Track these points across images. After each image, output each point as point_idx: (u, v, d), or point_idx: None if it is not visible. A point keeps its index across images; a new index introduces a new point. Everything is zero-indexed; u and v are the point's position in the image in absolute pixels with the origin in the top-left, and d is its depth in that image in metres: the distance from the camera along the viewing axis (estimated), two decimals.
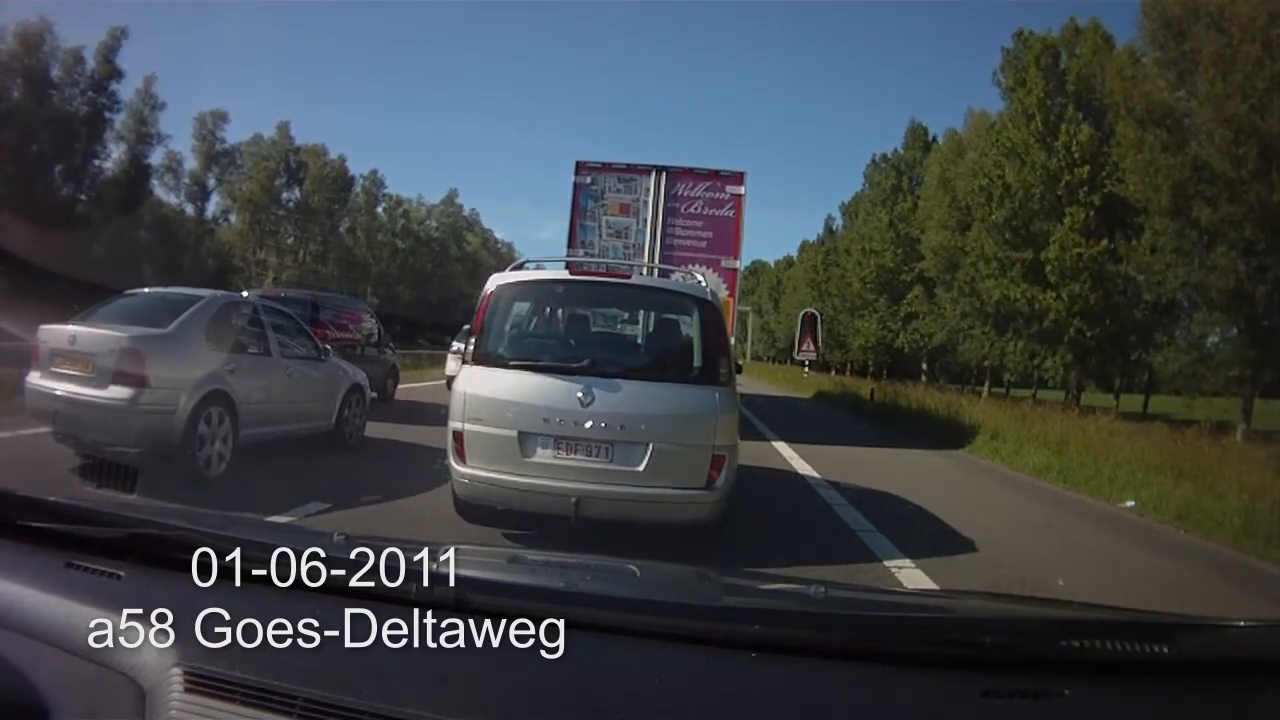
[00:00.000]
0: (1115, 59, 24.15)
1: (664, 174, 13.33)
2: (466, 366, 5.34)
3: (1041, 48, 28.45)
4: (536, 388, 5.10)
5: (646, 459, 4.92)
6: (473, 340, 5.38)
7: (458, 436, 5.15)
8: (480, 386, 5.17)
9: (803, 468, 9.78)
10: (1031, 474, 10.65)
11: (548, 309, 6.30)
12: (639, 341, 6.61)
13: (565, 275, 5.97)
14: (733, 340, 8.66)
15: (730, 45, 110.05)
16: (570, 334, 6.04)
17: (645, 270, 10.31)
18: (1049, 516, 8.05)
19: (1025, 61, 28.53)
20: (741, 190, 13.37)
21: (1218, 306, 20.95)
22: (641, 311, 7.02)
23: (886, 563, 5.44)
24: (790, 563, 5.26)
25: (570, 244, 12.86)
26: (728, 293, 12.48)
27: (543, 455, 4.98)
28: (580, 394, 4.96)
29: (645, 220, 13.25)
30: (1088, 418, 13.44)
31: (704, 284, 6.01)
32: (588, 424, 4.93)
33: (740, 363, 6.32)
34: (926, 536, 6.31)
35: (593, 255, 12.17)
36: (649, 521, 5.03)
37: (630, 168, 13.65)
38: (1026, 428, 12.72)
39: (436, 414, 12.37)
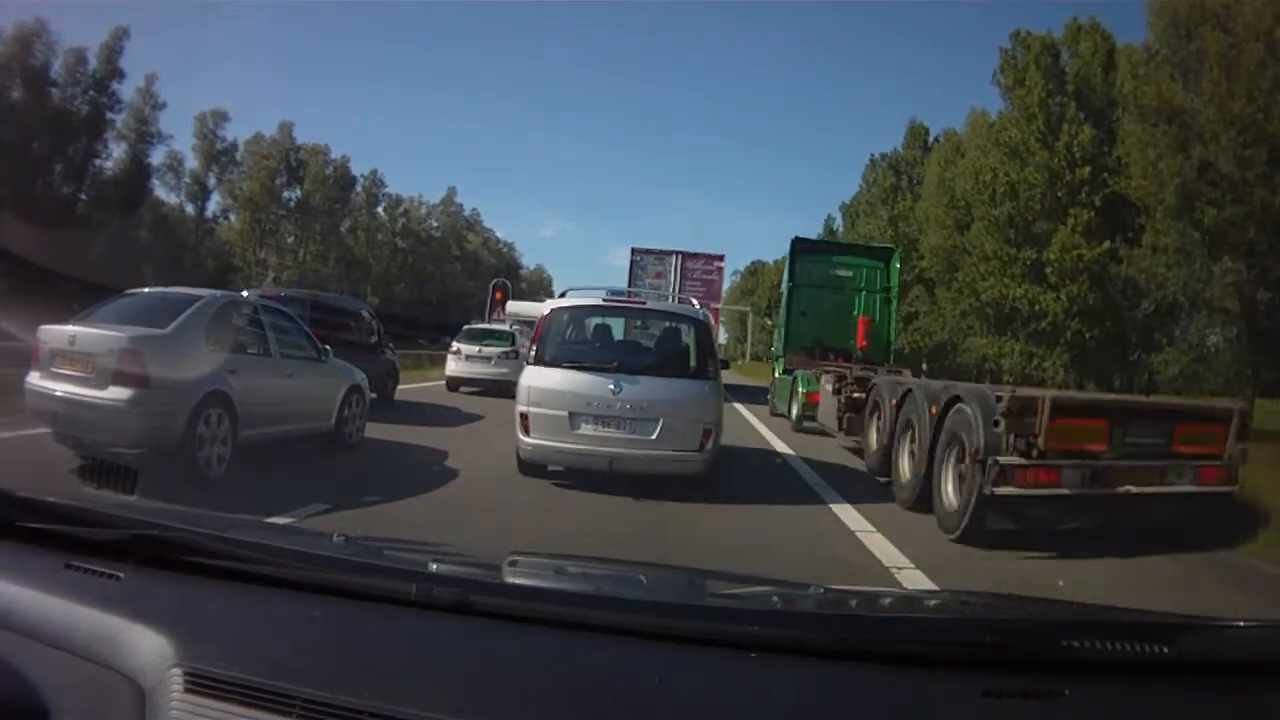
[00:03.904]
0: (1127, 56, 24.05)
1: (680, 256, 26.24)
2: (529, 367, 7.39)
3: (1041, 48, 28.38)
4: (580, 381, 7.08)
5: (658, 430, 6.94)
6: (533, 348, 7.44)
7: (524, 416, 7.08)
8: (540, 381, 7.16)
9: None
10: None
11: (594, 324, 8.23)
12: (651, 348, 8.19)
13: (599, 301, 8.10)
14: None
15: (730, 44, 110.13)
16: (603, 343, 8.09)
17: (668, 297, 16.93)
18: None
19: (1025, 61, 28.48)
20: (722, 265, 27.45)
21: (1219, 308, 20.90)
22: (654, 327, 8.56)
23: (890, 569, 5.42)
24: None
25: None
26: (713, 321, 18.12)
27: (585, 429, 6.98)
28: (611, 386, 6.99)
29: (670, 282, 25.29)
30: None
31: (698, 307, 8.22)
32: (617, 406, 6.95)
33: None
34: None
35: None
36: (660, 474, 6.97)
37: (662, 252, 26.48)
38: None
39: (436, 415, 12.59)
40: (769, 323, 24.83)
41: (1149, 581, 5.51)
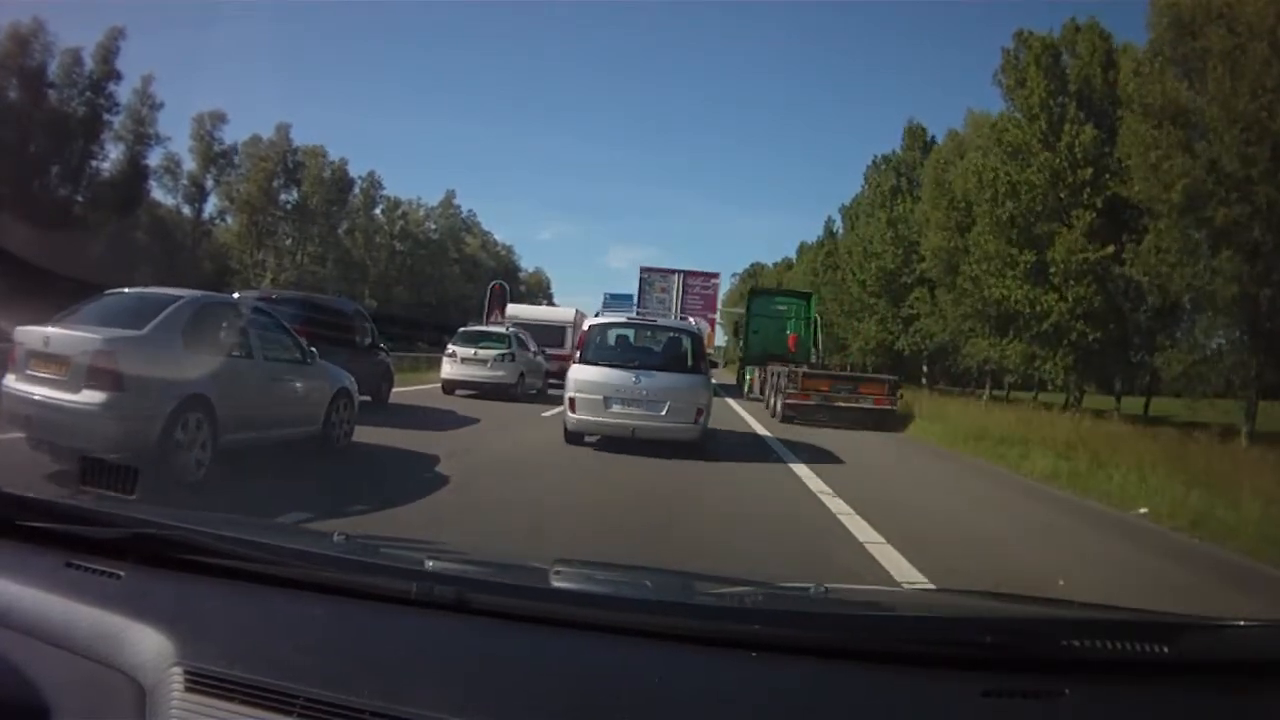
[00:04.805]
0: (1128, 55, 23.84)
1: (682, 275, 31.88)
2: (575, 365, 10.18)
3: (1042, 48, 28.23)
4: (611, 375, 9.85)
5: (666, 408, 9.70)
6: (578, 352, 10.35)
7: (572, 400, 9.91)
8: (583, 375, 9.95)
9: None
10: (1039, 479, 10.40)
11: (616, 334, 11.17)
12: (660, 352, 10.82)
13: (623, 320, 11.82)
14: (710, 351, 16.17)
15: (730, 44, 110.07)
16: (627, 347, 10.99)
17: (672, 317, 22.97)
18: (1054, 521, 7.83)
19: (1026, 61, 28.32)
20: (717, 281, 33.98)
21: (1222, 309, 20.68)
22: (662, 336, 11.38)
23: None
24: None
25: (640, 309, 25.85)
26: (709, 329, 27.99)
27: (615, 408, 9.73)
28: (633, 378, 9.77)
29: (673, 296, 30.94)
30: (1097, 420, 13.19)
31: (693, 323, 12.71)
32: (637, 392, 9.71)
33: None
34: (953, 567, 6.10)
35: (647, 312, 22.48)
36: (667, 439, 9.67)
37: (667, 270, 32.24)
38: (1032, 431, 12.47)
39: (430, 418, 12.47)
40: (738, 339, 33.21)
41: (1162, 589, 5.63)
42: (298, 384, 7.55)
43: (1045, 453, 11.21)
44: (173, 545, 1.61)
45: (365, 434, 9.11)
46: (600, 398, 9.72)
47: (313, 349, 7.91)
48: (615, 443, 9.72)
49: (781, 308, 26.99)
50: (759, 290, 32.52)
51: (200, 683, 1.27)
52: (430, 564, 1.79)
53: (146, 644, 1.35)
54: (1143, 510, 8.02)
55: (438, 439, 10.13)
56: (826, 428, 15.07)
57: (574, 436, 10.07)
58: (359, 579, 1.55)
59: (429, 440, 9.76)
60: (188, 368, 6.13)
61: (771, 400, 17.85)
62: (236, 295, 12.41)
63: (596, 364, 10.02)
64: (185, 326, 6.28)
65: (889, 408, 16.35)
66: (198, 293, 6.85)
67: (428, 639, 1.42)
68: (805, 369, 17.91)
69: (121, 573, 1.55)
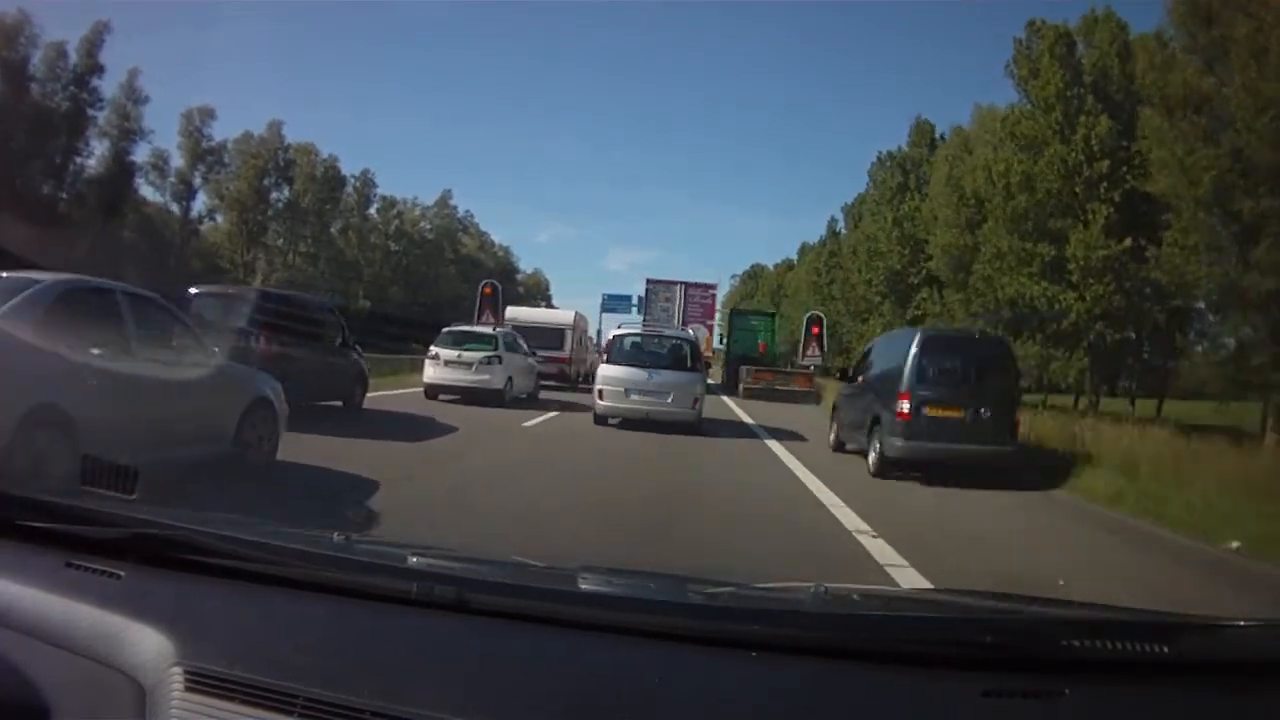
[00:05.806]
0: (1144, 44, 22.76)
1: (684, 286, 36.36)
2: (602, 364, 13.95)
3: (1055, 37, 27.18)
4: (630, 372, 13.32)
5: (671, 398, 13.05)
6: (605, 354, 14.41)
7: (600, 391, 13.43)
8: (610, 372, 13.44)
9: None
10: (1104, 504, 8.74)
11: (632, 342, 14.60)
12: (666, 355, 14.07)
13: (638, 331, 16.35)
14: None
15: (730, 44, 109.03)
16: (641, 352, 14.12)
17: (673, 326, 29.98)
18: (1131, 561, 6.58)
19: (1039, 51, 27.28)
20: (715, 291, 39.72)
21: (1255, 305, 19.50)
22: (667, 343, 14.74)
23: None
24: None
25: (646, 317, 33.42)
26: (707, 334, 33.91)
27: (633, 397, 13.06)
28: (647, 375, 13.21)
29: (676, 306, 35.38)
30: (1145, 430, 11.91)
31: (691, 333, 20.84)
32: (649, 385, 13.06)
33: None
34: None
35: (654, 321, 31.08)
36: (671, 421, 12.89)
37: (670, 282, 36.60)
38: (1074, 443, 11.07)
39: (402, 427, 11.38)
40: (720, 346, 38.10)
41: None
42: (194, 392, 6.12)
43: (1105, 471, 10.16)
44: (173, 545, 1.60)
45: (322, 446, 8.00)
46: (622, 389, 13.10)
47: (215, 348, 6.54)
48: (609, 443, 11.58)
49: (754, 323, 34.78)
50: (737, 310, 42.91)
51: (200, 683, 1.26)
52: (430, 564, 1.81)
53: (146, 644, 1.35)
54: (1234, 544, 6.65)
55: (401, 454, 8.99)
56: (774, 402, 23.79)
57: (601, 419, 13.35)
58: (359, 579, 1.54)
59: (390, 455, 8.56)
60: (39, 370, 4.81)
61: (738, 386, 27.43)
62: (193, 290, 11.20)
63: (618, 364, 13.50)
64: (39, 319, 4.91)
65: (810, 390, 25.96)
66: (63, 276, 5.47)
67: (428, 639, 1.41)
68: (756, 367, 28.09)
69: (121, 573, 1.54)
